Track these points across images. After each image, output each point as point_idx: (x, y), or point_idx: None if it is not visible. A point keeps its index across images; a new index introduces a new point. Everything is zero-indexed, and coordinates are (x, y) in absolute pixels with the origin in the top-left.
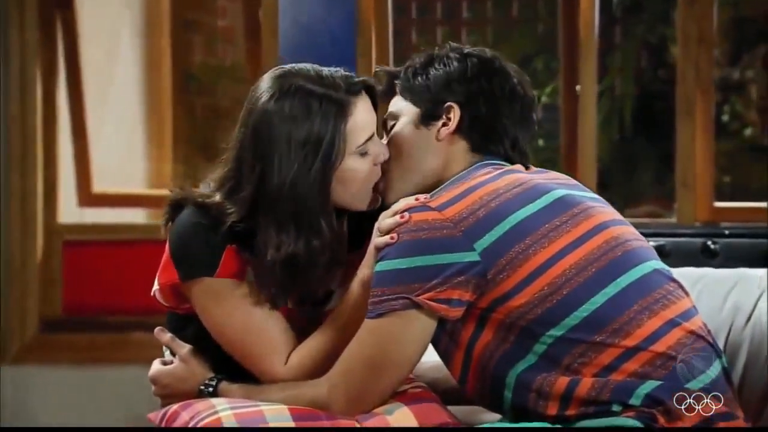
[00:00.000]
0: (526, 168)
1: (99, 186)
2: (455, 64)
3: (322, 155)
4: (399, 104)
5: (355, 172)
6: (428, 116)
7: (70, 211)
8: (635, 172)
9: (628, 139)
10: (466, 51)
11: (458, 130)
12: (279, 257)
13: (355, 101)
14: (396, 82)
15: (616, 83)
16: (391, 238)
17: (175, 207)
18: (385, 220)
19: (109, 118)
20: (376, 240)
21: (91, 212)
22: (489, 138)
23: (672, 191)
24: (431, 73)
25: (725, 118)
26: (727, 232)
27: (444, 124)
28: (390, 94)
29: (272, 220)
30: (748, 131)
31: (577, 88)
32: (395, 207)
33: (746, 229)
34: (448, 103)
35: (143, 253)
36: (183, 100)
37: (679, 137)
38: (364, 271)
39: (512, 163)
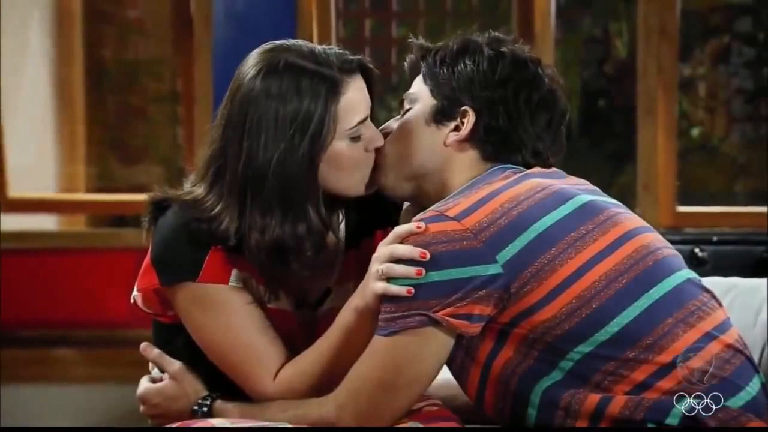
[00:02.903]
0: (545, 168)
1: (13, 190)
2: (485, 63)
3: (310, 135)
4: (420, 87)
5: (346, 157)
6: (441, 114)
7: None
8: (582, 174)
9: (573, 138)
10: (502, 48)
11: (469, 139)
12: (264, 242)
13: (349, 80)
14: (423, 61)
15: None
16: (417, 273)
17: (158, 208)
18: (398, 246)
19: (20, 118)
20: (395, 269)
21: (4, 218)
22: (503, 149)
23: (622, 194)
24: (459, 66)
25: None
26: (715, 238)
27: (455, 128)
28: (416, 71)
29: (257, 203)
30: (695, 131)
31: None
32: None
33: (735, 235)
34: (464, 107)
35: (65, 262)
36: (95, 97)
37: (640, 137)
38: (356, 300)
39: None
